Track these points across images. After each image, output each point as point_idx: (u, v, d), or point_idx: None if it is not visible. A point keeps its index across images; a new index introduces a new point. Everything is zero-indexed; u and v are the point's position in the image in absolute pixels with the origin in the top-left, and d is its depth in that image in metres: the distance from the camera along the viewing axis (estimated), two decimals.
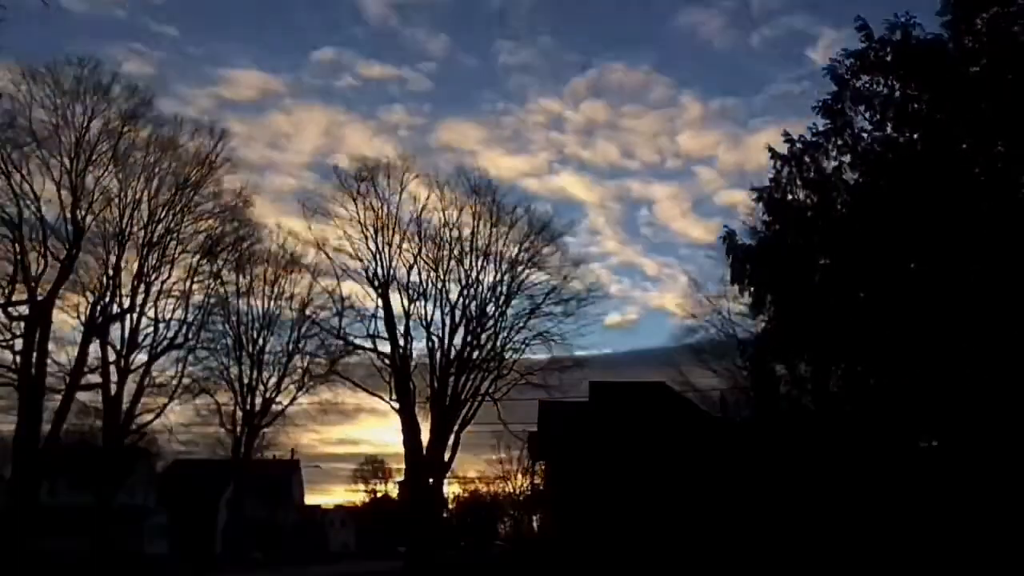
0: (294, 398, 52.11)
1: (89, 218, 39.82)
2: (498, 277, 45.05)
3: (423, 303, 44.69)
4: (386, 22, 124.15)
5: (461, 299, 44.74)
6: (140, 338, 42.50)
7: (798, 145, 20.09)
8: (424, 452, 43.18)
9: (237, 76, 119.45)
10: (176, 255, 43.25)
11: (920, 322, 17.78)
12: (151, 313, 42.84)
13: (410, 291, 44.57)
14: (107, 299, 40.89)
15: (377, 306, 44.26)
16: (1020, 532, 16.57)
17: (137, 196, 41.26)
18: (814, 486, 22.45)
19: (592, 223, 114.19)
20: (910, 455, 19.97)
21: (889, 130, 19.00)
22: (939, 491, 18.50)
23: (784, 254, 20.25)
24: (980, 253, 17.33)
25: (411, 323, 44.73)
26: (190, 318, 44.34)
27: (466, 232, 44.86)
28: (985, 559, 17.18)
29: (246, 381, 50.82)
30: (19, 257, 37.61)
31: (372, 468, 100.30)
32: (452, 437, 44.31)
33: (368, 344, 44.67)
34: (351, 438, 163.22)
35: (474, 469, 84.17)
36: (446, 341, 44.31)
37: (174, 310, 43.72)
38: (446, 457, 44.56)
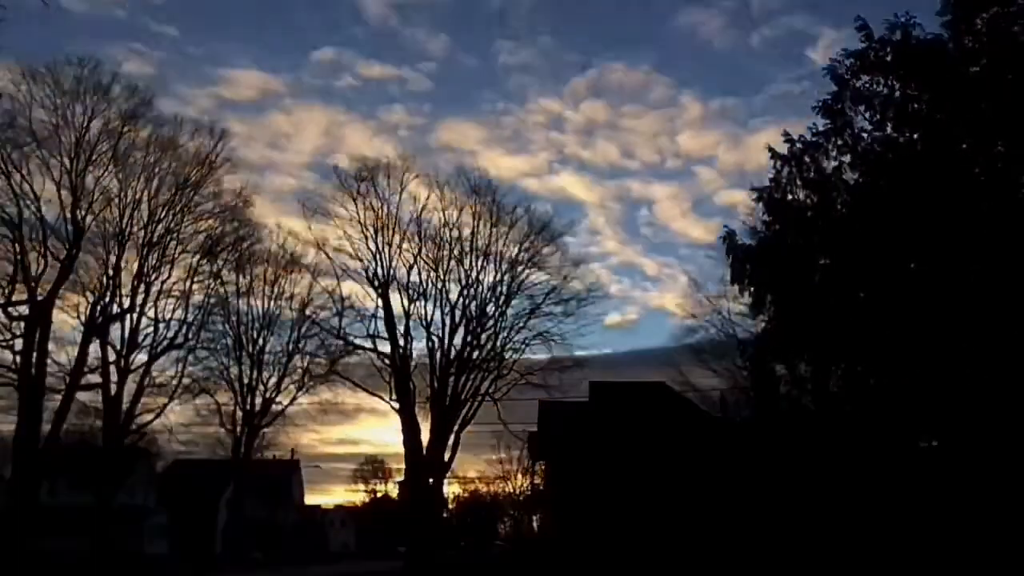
0: (294, 398, 52.21)
1: (89, 218, 39.87)
2: (498, 277, 45.13)
3: (423, 303, 44.76)
4: (386, 22, 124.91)
5: (461, 299, 44.80)
6: (140, 338, 42.55)
7: (798, 145, 20.10)
8: (424, 452, 43.18)
9: (237, 76, 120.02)
10: (176, 255, 43.31)
11: (920, 322, 17.78)
12: (151, 313, 42.91)
13: (410, 291, 44.64)
14: (107, 299, 40.92)
15: (377, 306, 44.33)
16: (1020, 532, 16.57)
17: (137, 196, 41.32)
18: (814, 486, 22.45)
19: (592, 223, 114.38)
20: (910, 455, 19.97)
21: (889, 130, 19.01)
22: (939, 491, 18.50)
23: (784, 254, 20.25)
24: (980, 253, 17.33)
25: (411, 323, 44.81)
26: (190, 318, 44.41)
27: (466, 232, 44.93)
28: (985, 559, 17.17)
29: (246, 381, 50.86)
30: (19, 257, 37.61)
31: (372, 468, 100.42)
32: (452, 437, 44.34)
33: (368, 344, 44.74)
34: (351, 438, 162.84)
35: (474, 469, 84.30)
36: (446, 341, 44.38)
37: (174, 310, 43.80)
38: (446, 457, 44.57)
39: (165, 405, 43.75)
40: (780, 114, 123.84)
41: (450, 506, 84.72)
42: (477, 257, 44.80)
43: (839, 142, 19.59)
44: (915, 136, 18.72)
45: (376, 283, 44.10)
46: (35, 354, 37.31)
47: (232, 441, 51.89)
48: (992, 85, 17.37)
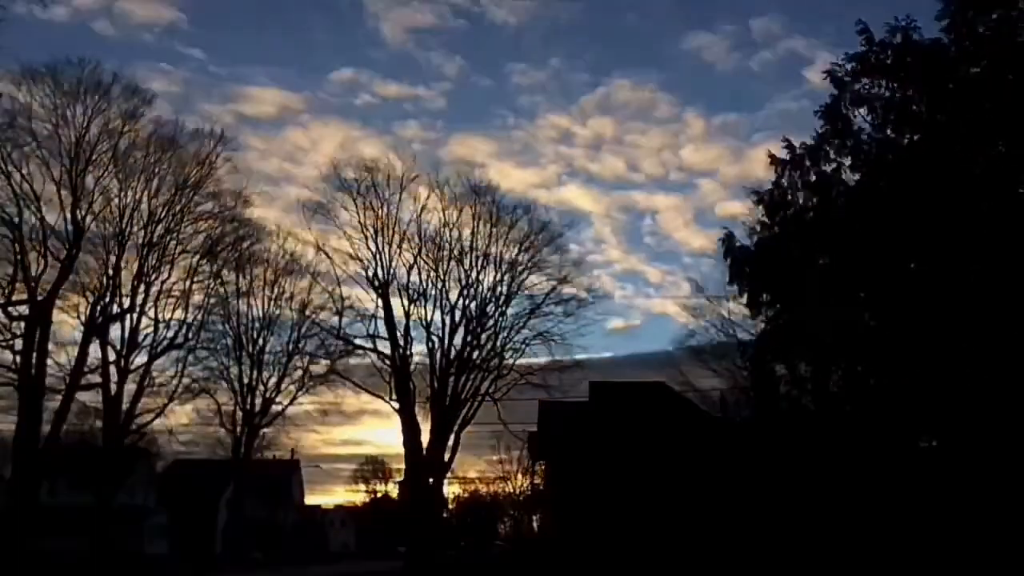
0: (294, 398, 52.23)
1: (89, 218, 39.94)
2: (498, 277, 45.15)
3: (423, 303, 44.78)
4: (403, 46, 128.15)
5: (461, 299, 44.83)
6: (140, 338, 42.60)
7: (799, 150, 20.13)
8: (424, 452, 43.20)
9: (257, 94, 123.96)
10: (176, 255, 43.35)
11: (920, 322, 17.81)
12: (151, 313, 42.97)
13: (410, 291, 44.66)
14: (107, 299, 40.95)
15: (377, 306, 44.36)
16: (1020, 532, 16.60)
17: (137, 196, 41.38)
18: (814, 486, 22.45)
19: (597, 232, 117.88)
20: (910, 455, 19.98)
21: (889, 132, 19.05)
22: (939, 491, 18.52)
23: (784, 255, 20.28)
24: (980, 253, 17.35)
25: (411, 323, 44.84)
26: (190, 318, 44.45)
27: (466, 232, 44.96)
28: (985, 559, 17.20)
29: (246, 381, 50.87)
30: (19, 257, 37.65)
31: (372, 468, 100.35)
32: (452, 437, 44.37)
33: (368, 344, 44.77)
34: (353, 439, 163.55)
35: (474, 469, 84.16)
36: (446, 341, 44.42)
37: (174, 310, 43.84)
38: (446, 457, 44.61)
39: (165, 405, 43.85)
40: (780, 129, 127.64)
41: (450, 506, 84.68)
42: (477, 257, 44.91)
43: (839, 144, 19.63)
44: (915, 137, 18.76)
45: (376, 283, 44.16)
46: (35, 354, 37.35)
47: (232, 441, 51.91)
48: (992, 86, 17.40)
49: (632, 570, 27.81)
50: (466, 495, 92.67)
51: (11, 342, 37.64)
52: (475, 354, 44.75)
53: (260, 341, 51.06)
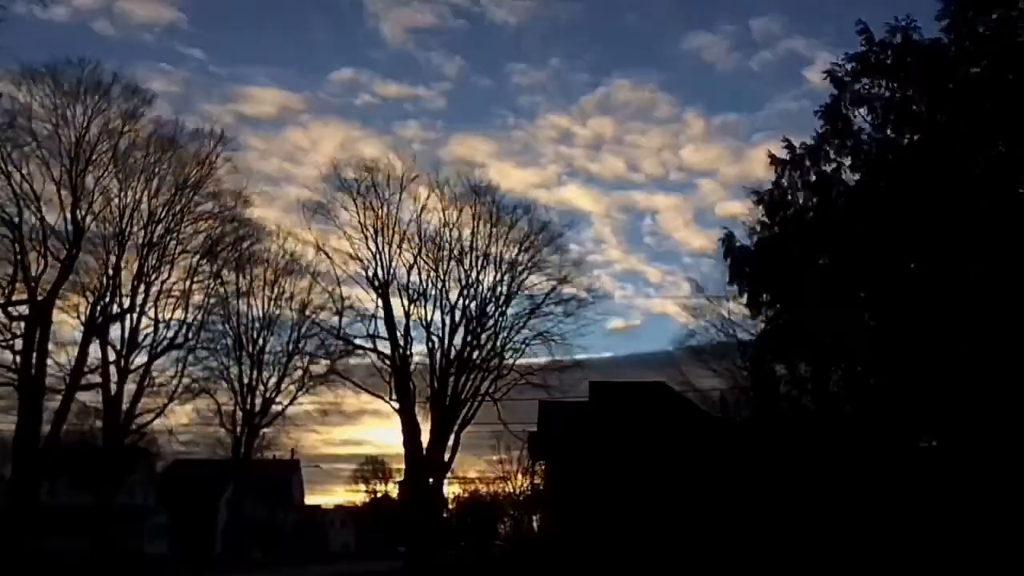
0: (294, 398, 52.23)
1: (89, 218, 39.94)
2: (498, 277, 45.13)
3: (423, 303, 44.77)
4: (403, 46, 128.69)
5: (461, 299, 44.82)
6: (140, 338, 42.58)
7: (799, 150, 20.13)
8: (424, 452, 43.20)
9: (257, 94, 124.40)
10: (176, 255, 43.33)
11: (920, 322, 17.81)
12: (151, 313, 42.94)
13: (410, 291, 44.65)
14: (107, 299, 40.94)
15: (377, 306, 44.34)
16: (1020, 532, 16.59)
17: (137, 196, 41.38)
18: (814, 486, 22.45)
19: (597, 232, 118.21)
20: (910, 455, 19.98)
21: (889, 131, 19.04)
22: (939, 491, 18.51)
23: (784, 254, 20.28)
24: (980, 253, 17.35)
25: (411, 323, 44.83)
26: (190, 318, 44.43)
27: (466, 232, 44.95)
28: (985, 559, 17.19)
29: (246, 381, 50.86)
30: (19, 257, 37.65)
31: (372, 468, 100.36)
32: (452, 437, 44.37)
33: (368, 344, 44.77)
34: (353, 439, 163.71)
35: (474, 469, 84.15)
36: (446, 341, 44.41)
37: (174, 310, 43.82)
38: (446, 457, 44.60)
39: (165, 405, 43.83)
40: (780, 129, 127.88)
41: (450, 506, 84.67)
42: (477, 257, 44.89)
43: (839, 144, 19.62)
44: (915, 137, 18.76)
45: (376, 283, 44.15)
46: (35, 354, 37.34)
47: (232, 441, 51.90)
48: (992, 86, 17.40)
49: (632, 570, 27.80)
50: (466, 495, 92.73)
51: (11, 342, 37.66)
52: (475, 354, 44.77)
53: (260, 341, 51.14)
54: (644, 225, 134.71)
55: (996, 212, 17.22)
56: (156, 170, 41.67)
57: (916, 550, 19.03)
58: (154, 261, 42.21)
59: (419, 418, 43.58)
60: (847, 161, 19.70)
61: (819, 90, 20.13)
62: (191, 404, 47.78)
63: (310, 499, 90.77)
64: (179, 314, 43.86)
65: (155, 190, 41.73)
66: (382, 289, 44.09)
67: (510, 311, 45.31)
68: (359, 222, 44.06)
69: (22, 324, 37.75)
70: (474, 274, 44.84)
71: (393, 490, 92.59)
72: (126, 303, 41.75)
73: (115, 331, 41.74)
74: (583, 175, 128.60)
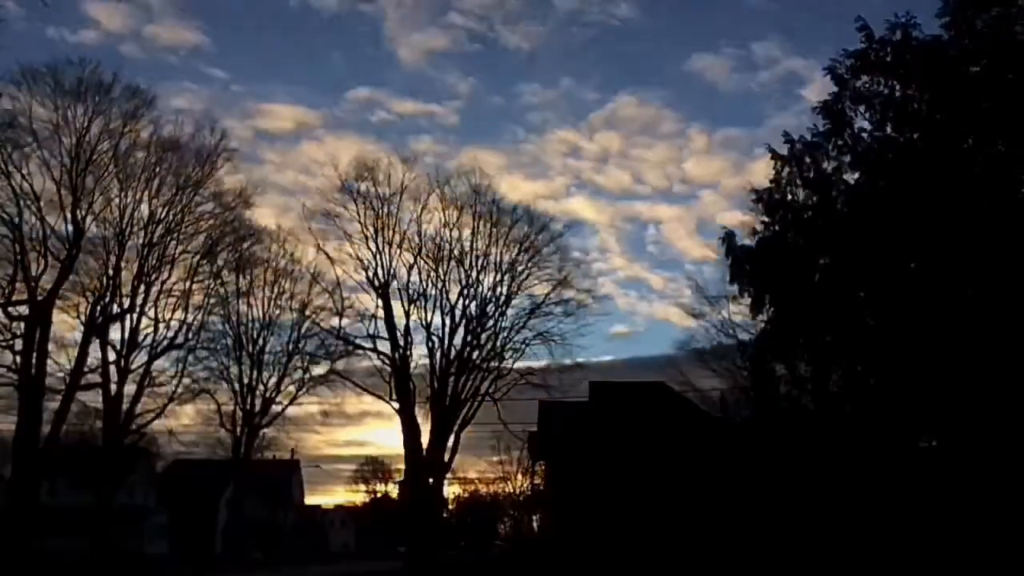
0: (294, 398, 52.20)
1: (89, 218, 39.90)
2: (498, 277, 45.11)
3: (423, 304, 44.75)
4: (418, 67, 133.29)
5: (461, 299, 44.79)
6: (140, 338, 42.53)
7: (798, 146, 20.10)
8: (424, 452, 43.18)
9: (276, 110, 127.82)
10: (176, 255, 43.29)
11: (920, 322, 17.79)
12: (151, 313, 42.88)
13: (410, 292, 44.63)
14: (107, 299, 40.90)
15: (377, 307, 44.32)
16: (1020, 532, 16.57)
17: (137, 197, 41.34)
18: (814, 486, 22.44)
19: (602, 241, 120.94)
20: (910, 455, 19.96)
21: (889, 130, 19.03)
22: (939, 491, 18.49)
23: (784, 254, 20.26)
24: (980, 253, 17.33)
25: (411, 323, 44.81)
26: (190, 318, 44.39)
27: (466, 233, 44.93)
28: (985, 559, 17.17)
29: (246, 381, 50.84)
30: (19, 257, 37.63)
31: (372, 468, 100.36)
32: (452, 437, 44.36)
33: (368, 345, 44.75)
34: (355, 440, 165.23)
35: (474, 469, 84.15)
36: (446, 341, 44.39)
37: (174, 310, 43.77)
38: (446, 457, 44.58)
39: (165, 405, 43.77)
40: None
41: (450, 506, 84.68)
42: (477, 257, 44.87)
43: (839, 142, 19.60)
44: (915, 136, 18.74)
45: (376, 284, 44.15)
46: (35, 354, 37.32)
47: (232, 441, 51.87)
48: (992, 85, 17.38)
49: (632, 570, 27.79)
50: (466, 495, 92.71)
51: (11, 342, 37.64)
52: (475, 354, 44.75)
53: (260, 341, 51.10)
54: (648, 235, 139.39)
55: (996, 212, 17.20)
56: (157, 170, 41.70)
57: (916, 550, 19.01)
58: (154, 261, 42.21)
59: (419, 418, 43.62)
60: (847, 159, 19.68)
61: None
62: (191, 404, 47.86)
63: (310, 499, 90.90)
64: (179, 314, 43.88)
65: (155, 190, 41.76)
66: (382, 289, 44.10)
67: (510, 311, 45.37)
68: (360, 222, 44.12)
69: (22, 324, 37.73)
70: (474, 274, 44.88)
71: (393, 490, 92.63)
72: (126, 303, 41.77)
73: (115, 331, 41.78)
74: (590, 187, 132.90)
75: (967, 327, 17.48)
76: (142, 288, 42.02)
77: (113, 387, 41.11)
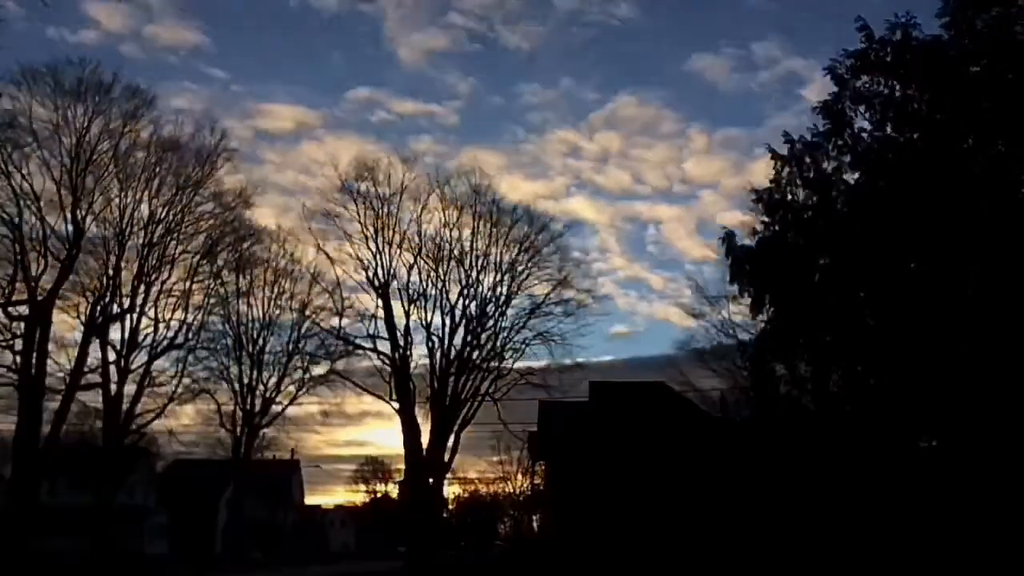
0: (294, 398, 52.19)
1: (89, 219, 39.90)
2: (498, 277, 45.11)
3: (423, 304, 44.75)
4: (418, 67, 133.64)
5: (461, 299, 44.79)
6: (140, 338, 42.53)
7: (798, 146, 20.09)
8: (424, 452, 43.18)
9: (276, 110, 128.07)
10: (176, 255, 43.29)
11: (920, 322, 17.79)
12: (151, 313, 42.88)
13: (410, 292, 44.63)
14: (107, 299, 40.90)
15: (377, 307, 44.32)
16: (1020, 532, 16.57)
17: (137, 197, 41.34)
18: (814, 486, 22.44)
19: (602, 241, 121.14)
20: (910, 455, 19.96)
21: (889, 130, 19.02)
22: (939, 491, 18.49)
23: (784, 254, 20.25)
24: (980, 253, 17.33)
25: (411, 323, 44.82)
26: (190, 318, 44.39)
27: (466, 233, 44.93)
28: (985, 559, 17.17)
29: (246, 381, 50.83)
30: (19, 257, 37.63)
31: (372, 468, 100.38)
32: (452, 437, 44.35)
33: (368, 345, 44.75)
34: (355, 440, 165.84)
35: (474, 470, 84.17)
36: (446, 341, 44.39)
37: (174, 310, 43.76)
38: (446, 457, 44.58)
39: (165, 405, 43.77)
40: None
41: (450, 506, 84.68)
42: (477, 257, 44.87)
43: (839, 142, 19.59)
44: (915, 136, 18.73)
45: (376, 284, 44.14)
46: (35, 354, 37.32)
47: (232, 441, 51.87)
48: (992, 85, 17.37)
49: (632, 570, 27.79)
50: (466, 495, 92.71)
51: (11, 342, 37.64)
52: (475, 354, 44.75)
53: (260, 341, 51.10)
54: (648, 235, 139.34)
55: (996, 212, 17.20)
56: (157, 170, 41.70)
57: (916, 550, 19.01)
58: (154, 261, 42.20)
59: (419, 418, 43.62)
60: (847, 159, 19.67)
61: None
62: (191, 404, 47.85)
63: (310, 499, 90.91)
64: (179, 314, 43.88)
65: (155, 190, 41.76)
66: (382, 289, 44.10)
67: (510, 311, 45.37)
68: (360, 222, 44.12)
69: (22, 324, 37.73)
70: (474, 274, 44.88)
71: (393, 490, 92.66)
72: (126, 303, 41.76)
73: (115, 331, 41.78)
74: (590, 187, 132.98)
75: (967, 327, 17.47)
76: (142, 288, 42.05)
77: (113, 387, 41.11)
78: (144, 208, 41.48)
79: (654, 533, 28.37)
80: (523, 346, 44.98)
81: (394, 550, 68.94)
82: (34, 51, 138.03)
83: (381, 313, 44.10)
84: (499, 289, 44.90)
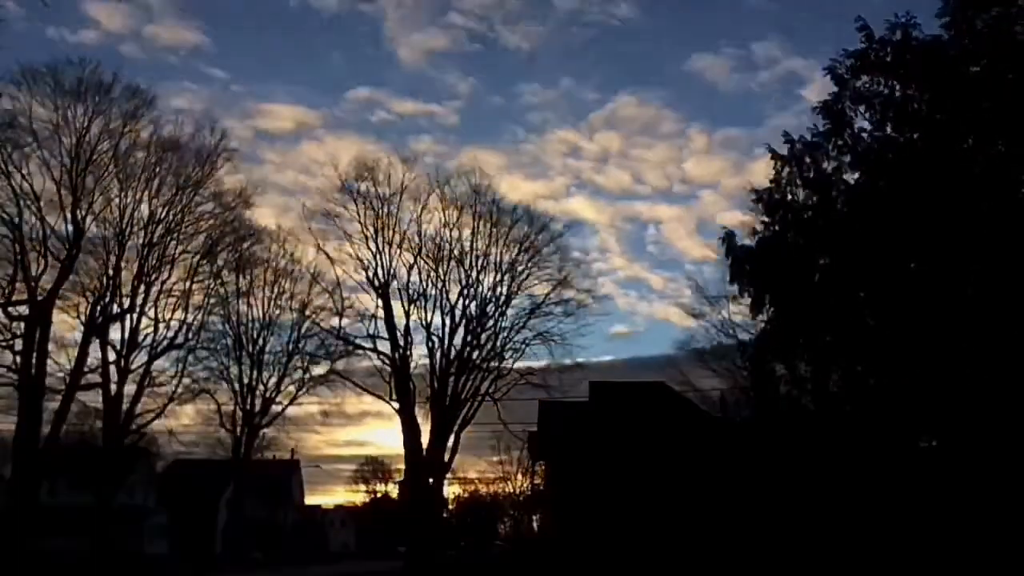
0: (294, 398, 52.20)
1: (89, 218, 39.91)
2: (498, 277, 45.12)
3: (423, 304, 44.76)
4: (418, 67, 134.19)
5: (461, 299, 44.81)
6: (140, 338, 42.54)
7: (798, 146, 20.08)
8: (424, 452, 43.19)
9: (275, 110, 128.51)
10: (176, 255, 43.30)
11: (920, 322, 17.78)
12: (151, 313, 42.90)
13: (410, 292, 44.64)
14: (107, 299, 40.91)
15: (377, 307, 44.33)
16: (1020, 532, 16.58)
17: (137, 196, 41.35)
18: (814, 486, 22.44)
19: (602, 241, 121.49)
20: (910, 455, 19.96)
21: (889, 130, 19.01)
22: (939, 491, 18.49)
23: (784, 254, 20.25)
24: (980, 253, 17.33)
25: (411, 323, 44.83)
26: (190, 318, 44.40)
27: (466, 232, 44.95)
28: (985, 559, 17.18)
29: (246, 381, 50.84)
30: (19, 257, 37.63)
31: (372, 468, 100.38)
32: (452, 437, 44.37)
33: (368, 345, 44.76)
34: (357, 440, 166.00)
35: (474, 470, 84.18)
36: (446, 341, 44.40)
37: (174, 310, 43.78)
38: (446, 457, 44.59)
39: (165, 405, 43.78)
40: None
41: (450, 506, 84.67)
42: (477, 257, 44.88)
43: (839, 142, 19.58)
44: (915, 136, 18.73)
45: (376, 283, 44.15)
46: (35, 354, 37.33)
47: (232, 441, 51.87)
48: (992, 85, 17.37)
49: (632, 570, 27.79)
50: (466, 495, 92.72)
51: (11, 342, 37.65)
52: (475, 354, 44.76)
53: (260, 341, 51.11)
54: (648, 235, 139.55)
55: (996, 212, 17.20)
56: (157, 170, 41.72)
57: (916, 550, 19.01)
58: (154, 261, 42.22)
59: (419, 418, 43.63)
60: (847, 159, 19.66)
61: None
62: (191, 404, 47.85)
63: (310, 499, 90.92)
64: (179, 314, 43.89)
65: (155, 190, 41.77)
66: (382, 289, 44.11)
67: (510, 311, 45.38)
68: (360, 222, 44.13)
69: (22, 324, 37.74)
70: (474, 274, 44.89)
71: (393, 490, 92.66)
72: (126, 303, 41.77)
73: (115, 331, 41.80)
74: (590, 187, 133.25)
75: (967, 327, 17.47)
76: (142, 288, 42.06)
77: (113, 387, 41.12)
78: (144, 208, 41.56)
79: (654, 533, 28.37)
80: (523, 346, 45.07)
81: (394, 550, 68.94)
82: (34, 51, 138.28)
83: (381, 313, 44.17)
84: (499, 289, 44.98)
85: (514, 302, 45.31)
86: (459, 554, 64.11)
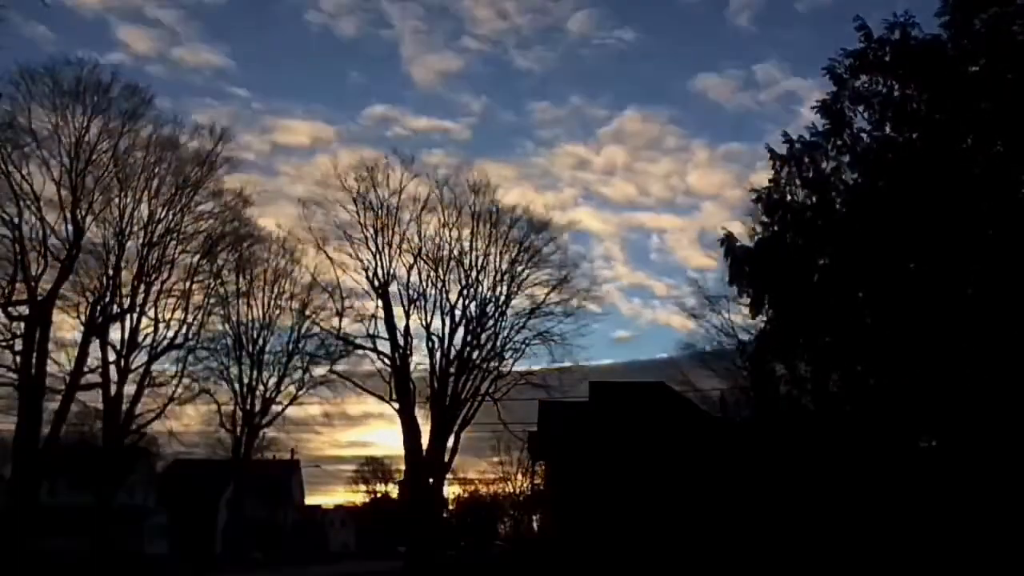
0: (294, 399, 52.20)
1: (89, 218, 39.95)
2: (498, 278, 45.15)
3: (423, 304, 44.79)
4: (433, 88, 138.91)
5: (461, 300, 44.86)
6: (140, 338, 42.59)
7: (797, 146, 20.06)
8: (424, 452, 43.20)
9: (293, 125, 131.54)
10: (176, 255, 43.35)
11: (919, 322, 17.77)
12: (151, 313, 42.98)
13: (410, 292, 44.68)
14: (107, 299, 40.95)
15: (377, 307, 44.37)
16: (1020, 532, 16.57)
17: (137, 196, 41.41)
18: (814, 486, 22.43)
19: (607, 250, 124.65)
20: (910, 455, 19.95)
21: (888, 130, 18.96)
22: (939, 491, 18.49)
23: (783, 254, 20.21)
24: (980, 253, 17.31)
25: (411, 323, 44.86)
26: (190, 318, 44.43)
27: (466, 233, 44.98)
28: (985, 559, 17.17)
29: (246, 381, 50.88)
30: (19, 257, 37.66)
31: (372, 469, 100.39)
32: (452, 437, 44.47)
33: (368, 345, 44.78)
34: (357, 441, 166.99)
35: (474, 470, 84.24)
36: (446, 342, 44.44)
37: (174, 310, 43.83)
38: (446, 457, 44.62)
39: (165, 405, 43.82)
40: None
41: (450, 506, 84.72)
42: (477, 258, 44.91)
43: (838, 142, 19.54)
44: (914, 136, 18.68)
45: (376, 284, 44.18)
46: (35, 354, 37.36)
47: (232, 441, 51.91)
48: (991, 85, 17.35)
49: (632, 570, 27.78)
50: (466, 495, 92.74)
51: (11, 342, 37.68)
52: (475, 355, 44.78)
53: (260, 341, 51.16)
54: (651, 243, 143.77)
55: (996, 212, 17.18)
56: (156, 170, 41.77)
57: (916, 550, 19.01)
58: (154, 261, 42.30)
59: (419, 419, 43.67)
60: (846, 159, 19.63)
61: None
62: (191, 404, 47.82)
63: (310, 499, 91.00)
64: (179, 314, 44.01)
65: (155, 190, 41.84)
66: (382, 290, 44.16)
67: (510, 311, 45.42)
68: (359, 223, 44.16)
69: (22, 324, 37.76)
70: (474, 275, 44.93)
71: (393, 490, 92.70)
72: (126, 303, 41.81)
73: (115, 331, 41.87)
74: (597, 198, 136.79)
75: (967, 327, 17.46)
76: (142, 288, 42.11)
77: (113, 387, 41.16)
78: (144, 208, 41.65)
79: (654, 533, 28.37)
80: (523, 346, 45.12)
81: (394, 550, 68.96)
82: (61, 69, 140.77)
83: (381, 314, 44.22)
84: (499, 289, 45.06)
85: (514, 302, 45.43)
86: (459, 554, 64.14)
